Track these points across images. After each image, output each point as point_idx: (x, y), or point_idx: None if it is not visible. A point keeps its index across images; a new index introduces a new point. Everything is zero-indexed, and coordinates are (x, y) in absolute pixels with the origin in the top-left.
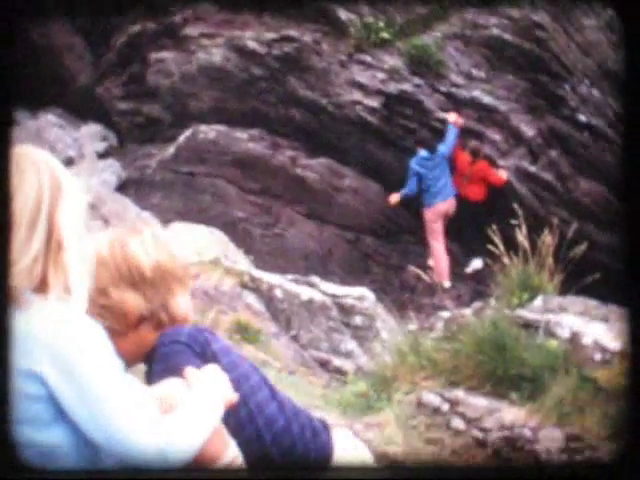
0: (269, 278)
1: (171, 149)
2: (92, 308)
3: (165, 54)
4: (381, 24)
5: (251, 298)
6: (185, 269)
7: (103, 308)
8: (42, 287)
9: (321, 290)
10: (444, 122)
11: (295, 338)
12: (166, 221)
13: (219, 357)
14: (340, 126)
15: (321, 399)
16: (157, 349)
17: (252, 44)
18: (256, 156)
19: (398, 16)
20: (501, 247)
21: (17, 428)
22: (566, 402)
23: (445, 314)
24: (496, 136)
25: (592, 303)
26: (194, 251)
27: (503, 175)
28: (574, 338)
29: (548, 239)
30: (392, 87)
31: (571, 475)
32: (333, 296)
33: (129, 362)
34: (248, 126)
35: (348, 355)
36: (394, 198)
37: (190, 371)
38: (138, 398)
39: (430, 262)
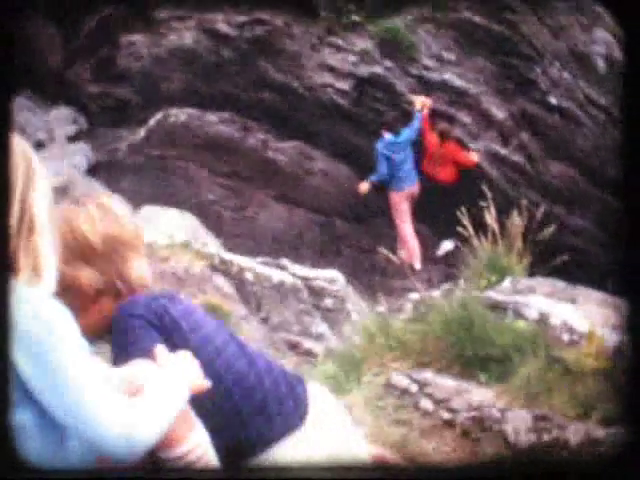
0: (239, 261)
1: (142, 132)
2: None
3: (136, 37)
4: (352, 7)
5: (221, 281)
6: (136, 234)
7: (59, 286)
8: (12, 268)
9: (291, 273)
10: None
11: (265, 321)
12: (137, 204)
13: (179, 323)
14: (311, 109)
15: None
16: (114, 324)
17: (223, 27)
18: (227, 139)
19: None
20: (470, 229)
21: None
22: (534, 382)
23: (414, 296)
24: (467, 119)
25: (560, 284)
26: (165, 234)
27: (473, 157)
28: (542, 319)
29: (517, 221)
30: (363, 70)
31: (574, 469)
32: (304, 278)
33: (95, 335)
34: (219, 109)
35: (318, 337)
36: (364, 186)
37: (160, 353)
38: (104, 380)
39: (400, 245)
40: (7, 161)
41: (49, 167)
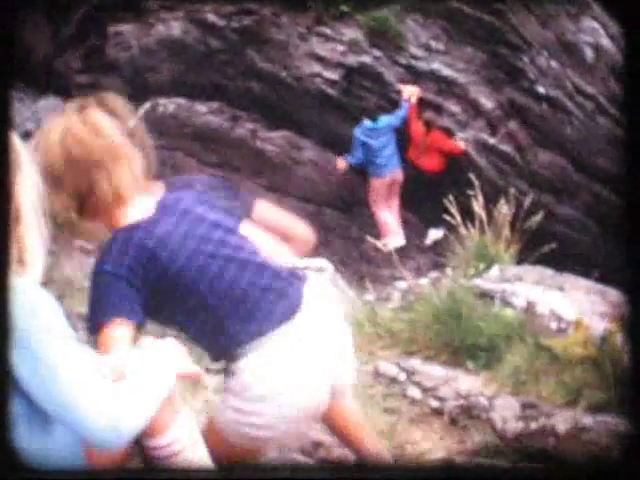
0: None
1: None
2: None
3: (124, 27)
4: None
5: None
6: (107, 148)
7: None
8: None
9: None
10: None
11: None
12: None
13: (156, 259)
14: (300, 99)
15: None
16: (91, 277)
17: (211, 17)
18: (215, 129)
19: None
20: (458, 217)
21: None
22: (522, 370)
23: (402, 284)
24: (455, 108)
25: (548, 272)
26: None
27: (460, 145)
28: (530, 307)
29: (505, 209)
30: (352, 59)
31: (579, 469)
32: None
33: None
34: (207, 99)
35: None
36: (341, 163)
37: (146, 341)
38: (90, 368)
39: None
40: (6, 158)
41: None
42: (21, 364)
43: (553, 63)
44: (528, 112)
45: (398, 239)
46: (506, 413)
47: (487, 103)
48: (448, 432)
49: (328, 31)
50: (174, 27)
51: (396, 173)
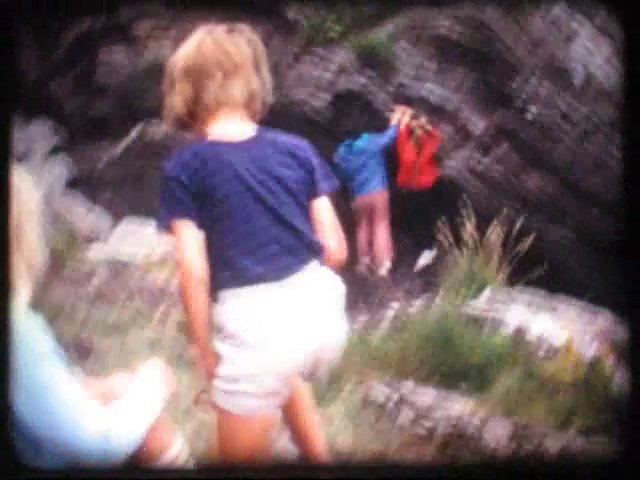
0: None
1: (122, 144)
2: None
3: (115, 51)
4: (331, 21)
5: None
6: (217, 60)
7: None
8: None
9: None
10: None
11: None
12: (117, 217)
13: (214, 187)
14: (290, 123)
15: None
16: (162, 177)
17: None
18: None
19: (348, 13)
20: (449, 240)
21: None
22: (513, 394)
23: (393, 308)
24: (446, 131)
25: (540, 294)
26: (144, 247)
27: (436, 133)
28: (520, 330)
29: (495, 233)
30: (342, 84)
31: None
32: None
33: None
34: None
35: None
36: None
37: (139, 370)
38: (78, 390)
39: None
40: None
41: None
42: (13, 387)
43: (543, 87)
44: (518, 135)
45: (381, 265)
46: (497, 437)
47: (477, 127)
48: (440, 455)
49: (317, 56)
50: (164, 51)
51: (373, 197)
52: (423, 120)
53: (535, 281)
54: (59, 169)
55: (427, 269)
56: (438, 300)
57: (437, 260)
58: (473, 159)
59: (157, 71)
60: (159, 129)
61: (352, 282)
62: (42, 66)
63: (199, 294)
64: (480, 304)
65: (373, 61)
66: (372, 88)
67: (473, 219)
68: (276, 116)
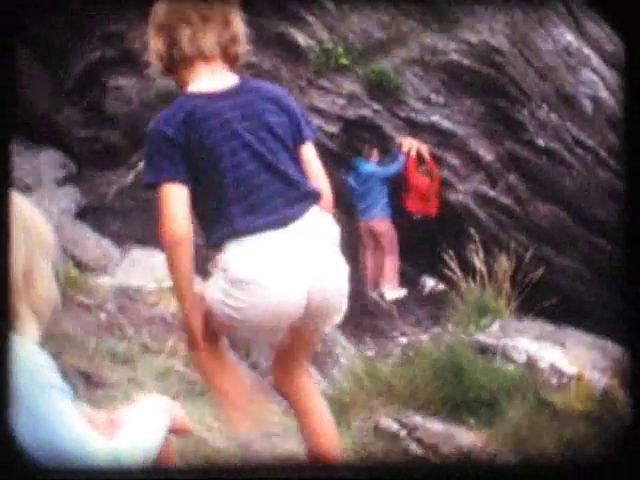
0: None
1: (130, 175)
2: None
3: (124, 81)
4: (340, 49)
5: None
6: (212, 10)
7: None
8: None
9: None
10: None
11: (255, 366)
12: (126, 248)
13: (202, 137)
14: None
15: (279, 426)
16: (148, 131)
17: None
18: None
19: (357, 42)
20: (458, 272)
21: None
22: (523, 426)
23: (402, 339)
24: (455, 160)
25: (549, 327)
26: (154, 277)
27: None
28: (530, 362)
29: (505, 263)
30: (351, 112)
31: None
32: None
33: None
34: None
35: None
36: None
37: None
38: (83, 423)
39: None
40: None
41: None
42: (20, 422)
43: (552, 115)
44: (527, 164)
45: (391, 291)
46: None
47: (486, 155)
48: None
49: (327, 84)
50: (173, 81)
51: (375, 224)
52: (427, 150)
53: (544, 311)
54: (68, 200)
55: (435, 298)
56: (448, 331)
57: (446, 290)
58: (482, 188)
59: (167, 100)
60: None
61: (360, 312)
62: (51, 96)
63: (182, 253)
64: (490, 335)
65: (382, 89)
66: (382, 114)
67: (482, 249)
68: None
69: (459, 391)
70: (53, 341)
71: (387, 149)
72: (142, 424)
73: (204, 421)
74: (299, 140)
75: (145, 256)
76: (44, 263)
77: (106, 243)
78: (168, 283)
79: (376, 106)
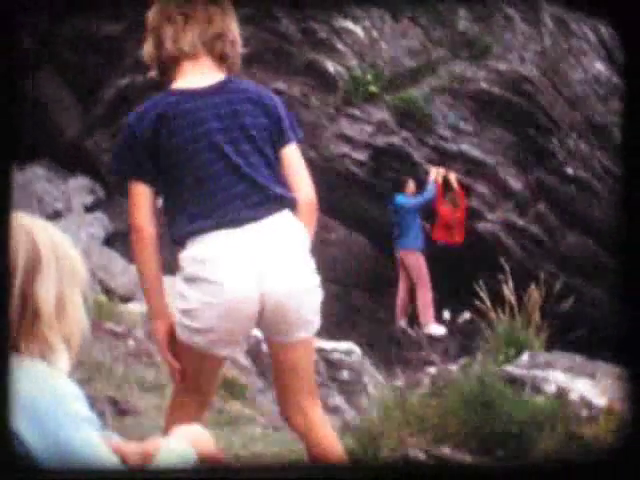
0: (256, 332)
1: (159, 201)
2: None
3: None
4: (369, 77)
5: (238, 353)
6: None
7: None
8: (15, 351)
9: None
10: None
11: None
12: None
13: (170, 136)
14: (328, 179)
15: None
16: (125, 122)
17: None
18: None
19: (386, 69)
20: (488, 302)
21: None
22: (552, 459)
23: (432, 370)
24: (484, 189)
25: (579, 359)
26: None
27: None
28: (561, 394)
29: (535, 294)
30: (380, 140)
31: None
32: (320, 350)
33: None
34: None
35: (335, 410)
36: None
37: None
38: (111, 455)
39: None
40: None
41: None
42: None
43: (582, 145)
44: (557, 193)
45: (430, 328)
46: None
47: (516, 184)
48: None
49: (356, 112)
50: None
51: (405, 254)
52: (455, 178)
53: (574, 343)
54: (96, 225)
55: (465, 329)
56: (477, 361)
57: (475, 321)
58: (511, 217)
59: None
60: None
61: (389, 341)
62: (81, 122)
63: (147, 250)
64: (520, 366)
65: (411, 117)
66: (411, 142)
67: (511, 279)
68: (317, 170)
69: (488, 422)
70: (82, 368)
71: (416, 177)
72: (171, 454)
73: (233, 449)
74: (280, 142)
75: (173, 282)
76: (75, 292)
77: (134, 269)
78: None
79: (405, 134)
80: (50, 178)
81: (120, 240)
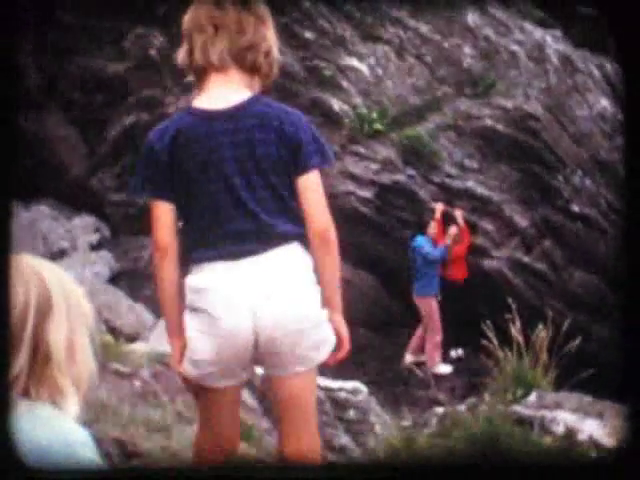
0: (262, 372)
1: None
2: None
3: None
4: (374, 115)
5: (244, 393)
6: (231, 17)
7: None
8: (25, 395)
9: None
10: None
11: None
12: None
13: (184, 160)
14: (334, 217)
15: None
16: (147, 138)
17: None
18: None
19: (391, 107)
20: (495, 342)
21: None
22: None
23: (439, 410)
24: (489, 227)
25: (587, 399)
26: None
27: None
28: (569, 434)
29: (542, 334)
30: (385, 178)
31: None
32: (326, 389)
33: None
34: None
35: (342, 450)
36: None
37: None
38: None
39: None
40: (7, 280)
41: (71, 276)
42: None
43: (587, 181)
44: (562, 231)
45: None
46: None
47: (521, 222)
48: None
49: (362, 150)
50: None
51: (418, 300)
52: (460, 213)
53: (582, 382)
54: (101, 264)
55: (472, 368)
56: (485, 401)
57: (482, 360)
58: (516, 254)
59: None
60: None
61: (395, 380)
62: (86, 160)
63: (164, 262)
64: (528, 406)
65: (417, 155)
66: (416, 180)
67: (518, 317)
68: None
69: (497, 461)
70: (87, 409)
71: (421, 215)
72: None
73: None
74: (297, 171)
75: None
76: (84, 334)
77: (140, 308)
78: None
79: (410, 171)
80: (55, 216)
81: (125, 279)
